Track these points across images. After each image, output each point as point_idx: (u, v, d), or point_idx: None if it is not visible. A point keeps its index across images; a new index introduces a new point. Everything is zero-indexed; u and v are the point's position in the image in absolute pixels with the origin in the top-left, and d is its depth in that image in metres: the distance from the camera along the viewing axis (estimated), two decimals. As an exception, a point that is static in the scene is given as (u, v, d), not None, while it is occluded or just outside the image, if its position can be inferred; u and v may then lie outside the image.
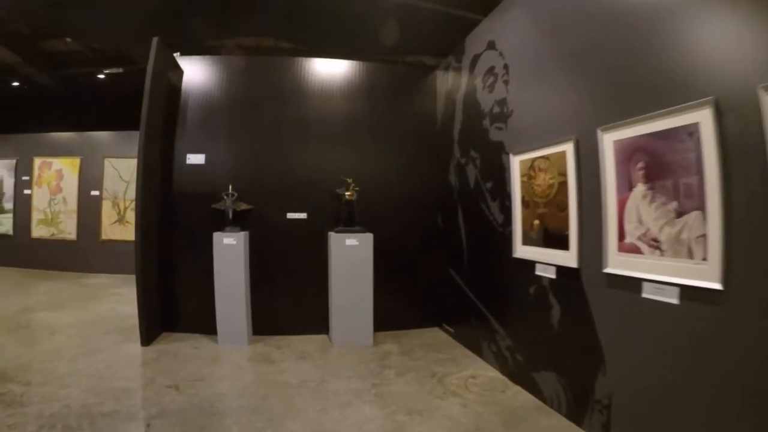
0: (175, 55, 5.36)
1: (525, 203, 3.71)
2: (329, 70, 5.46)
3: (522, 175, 3.73)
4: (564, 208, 3.19)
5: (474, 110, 4.59)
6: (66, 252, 10.02)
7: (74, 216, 10.02)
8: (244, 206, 5.12)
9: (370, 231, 4.91)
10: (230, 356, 4.64)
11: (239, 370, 4.29)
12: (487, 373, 4.18)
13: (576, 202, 3.05)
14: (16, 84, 10.23)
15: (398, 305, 5.45)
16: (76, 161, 10.04)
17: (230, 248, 4.85)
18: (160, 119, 5.16)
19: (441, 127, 5.50)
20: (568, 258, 3.13)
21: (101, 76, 9.80)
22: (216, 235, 4.89)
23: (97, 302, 7.10)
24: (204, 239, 4.91)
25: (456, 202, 5.05)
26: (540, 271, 3.46)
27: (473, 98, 4.61)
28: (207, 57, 5.53)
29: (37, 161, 10.26)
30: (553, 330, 3.31)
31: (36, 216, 10.26)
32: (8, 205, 10.62)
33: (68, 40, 8.48)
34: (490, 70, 4.27)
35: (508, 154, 3.91)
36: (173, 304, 5.39)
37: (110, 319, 6.03)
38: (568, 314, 3.18)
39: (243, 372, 4.23)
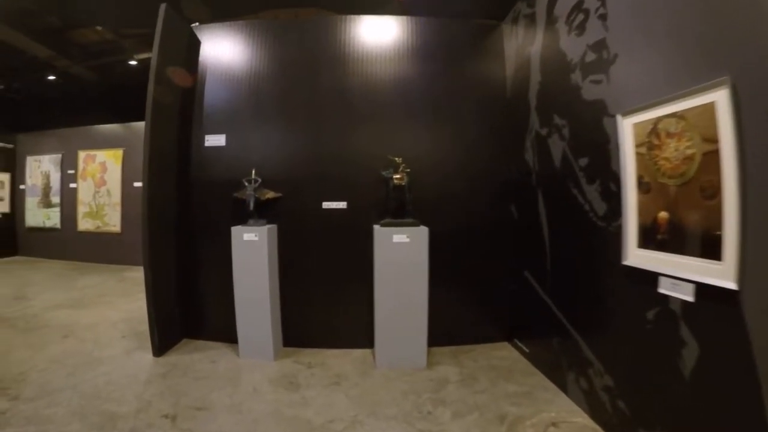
0: (193, 26, 4.68)
1: (643, 186, 2.57)
2: (374, 31, 4.50)
3: (638, 145, 2.59)
4: (714, 193, 2.07)
5: (557, 64, 3.48)
6: (111, 245, 9.96)
7: (118, 208, 9.89)
8: (270, 195, 4.29)
9: (424, 224, 3.93)
10: (250, 375, 3.84)
11: (254, 397, 3.47)
12: (573, 418, 3.10)
13: (736, 185, 1.93)
14: (52, 78, 10.08)
15: (459, 315, 4.43)
16: (119, 153, 9.88)
17: (251, 245, 4.05)
18: (173, 97, 4.49)
19: (512, 93, 4.38)
20: (720, 272, 2.01)
21: (133, 63, 9.40)
22: (235, 230, 4.11)
23: (128, 299, 6.66)
24: (227, 233, 4.16)
25: (535, 187, 3.91)
26: (666, 288, 2.34)
27: (555, 48, 3.51)
28: (228, 23, 4.71)
29: (82, 154, 10.26)
30: (684, 378, 2.20)
31: (81, 209, 10.27)
32: (55, 198, 10.78)
33: (99, 28, 8.11)
34: (578, 6, 3.17)
35: (612, 116, 2.78)
36: (196, 307, 4.71)
37: (134, 319, 5.52)
38: (711, 358, 2.06)
39: (258, 400, 3.41)
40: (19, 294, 7.10)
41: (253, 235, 4.03)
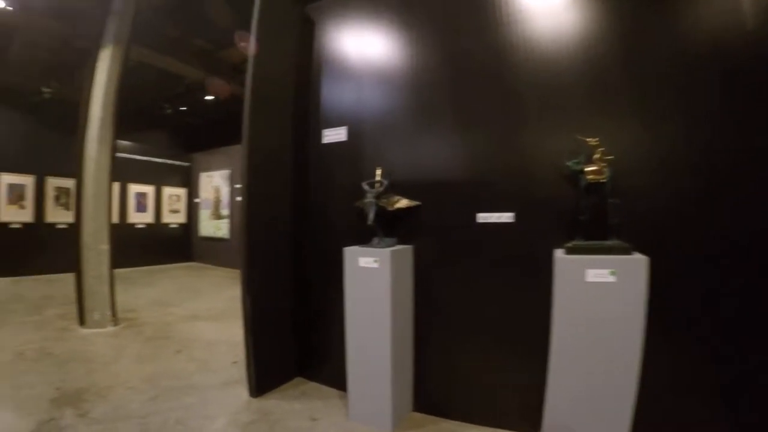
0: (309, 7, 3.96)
1: None
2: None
3: None
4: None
5: None
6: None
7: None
8: (402, 203, 3.19)
9: (638, 249, 2.42)
10: (353, 452, 2.72)
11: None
12: None
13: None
14: (209, 98, 10.61)
15: (708, 400, 2.67)
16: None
17: (370, 273, 3.00)
18: (284, 88, 3.82)
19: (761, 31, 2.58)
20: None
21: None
22: (348, 253, 3.12)
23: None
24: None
25: None
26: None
27: None
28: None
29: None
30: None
31: (246, 221, 10.65)
32: (225, 211, 11.59)
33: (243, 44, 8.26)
34: None
35: None
36: (313, 342, 3.85)
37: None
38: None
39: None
40: (169, 300, 7.18)
41: (372, 260, 2.96)
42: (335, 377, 3.50)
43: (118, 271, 9.41)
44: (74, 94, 5.64)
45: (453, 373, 3.13)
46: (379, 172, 3.22)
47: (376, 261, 2.95)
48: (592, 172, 2.42)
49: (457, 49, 3.16)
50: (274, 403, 3.29)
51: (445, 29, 3.22)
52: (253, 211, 3.48)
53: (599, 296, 2.30)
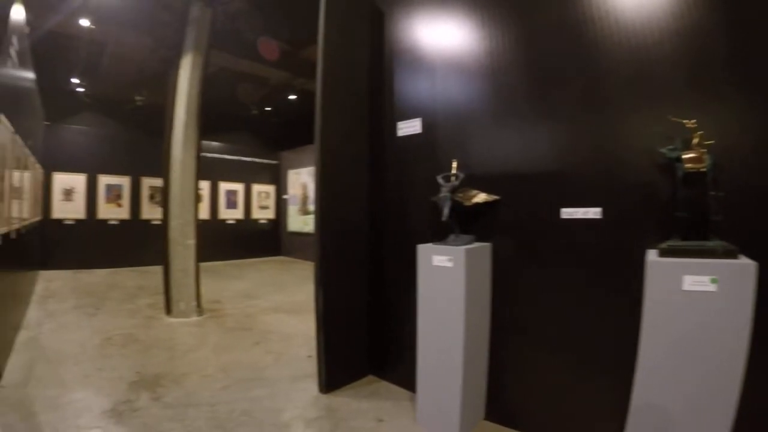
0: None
1: None
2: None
3: None
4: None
5: None
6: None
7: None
8: (479, 198, 2.99)
9: (744, 252, 2.05)
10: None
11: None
12: None
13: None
14: (293, 97, 10.95)
15: None
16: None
17: (444, 273, 2.84)
18: (355, 81, 3.75)
19: None
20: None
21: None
22: (422, 250, 2.99)
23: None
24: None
25: None
26: None
27: None
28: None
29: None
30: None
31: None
32: (312, 206, 11.75)
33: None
34: None
35: None
36: (386, 340, 3.75)
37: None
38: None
39: None
40: (254, 292, 7.44)
41: (446, 258, 2.80)
42: (407, 378, 3.38)
43: (209, 264, 10.16)
44: (163, 101, 6.04)
45: (530, 382, 2.90)
46: (454, 164, 3.05)
47: (450, 260, 2.79)
48: (690, 159, 2.07)
49: (535, 29, 2.90)
50: (342, 400, 3.25)
51: (521, 9, 2.98)
52: (326, 205, 3.47)
53: (697, 308, 1.98)
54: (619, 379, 2.37)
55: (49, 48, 7.48)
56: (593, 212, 2.62)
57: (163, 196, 5.79)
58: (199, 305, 5.72)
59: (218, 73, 9.05)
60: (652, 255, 2.17)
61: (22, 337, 4.58)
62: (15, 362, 3.87)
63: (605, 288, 2.58)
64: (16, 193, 4.98)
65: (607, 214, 2.58)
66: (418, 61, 3.55)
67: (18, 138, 4.68)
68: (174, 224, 5.67)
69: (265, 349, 4.41)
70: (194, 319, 5.52)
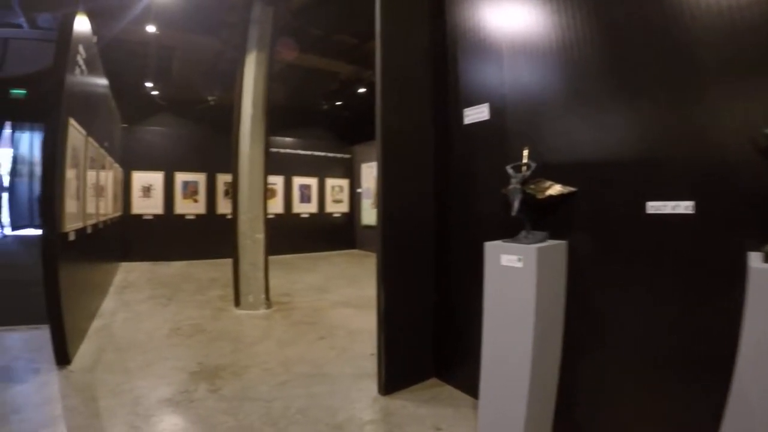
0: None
1: None
2: None
3: None
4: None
5: None
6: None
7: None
8: (554, 189, 2.69)
9: None
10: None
11: None
12: None
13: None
14: (362, 90, 10.87)
15: None
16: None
17: (512, 274, 2.59)
18: (417, 68, 3.56)
19: None
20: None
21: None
22: (489, 248, 2.73)
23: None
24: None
25: None
26: None
27: None
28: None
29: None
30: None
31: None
32: None
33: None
34: None
35: None
36: (452, 342, 3.56)
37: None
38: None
39: None
40: (324, 285, 7.48)
41: (516, 258, 2.55)
42: (471, 383, 3.14)
43: (283, 257, 10.42)
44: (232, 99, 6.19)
45: (606, 396, 2.58)
46: (525, 152, 2.75)
47: (519, 259, 2.54)
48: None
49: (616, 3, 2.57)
50: (400, 404, 3.09)
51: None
52: (389, 200, 3.33)
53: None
54: (707, 405, 2.03)
55: (121, 55, 7.98)
56: (684, 206, 2.25)
57: (232, 191, 5.93)
58: (267, 298, 5.81)
59: (286, 70, 9.19)
60: (754, 259, 1.81)
61: (96, 324, 4.87)
62: (86, 348, 4.10)
63: (698, 295, 2.21)
64: (95, 191, 5.36)
65: (701, 208, 2.20)
66: (482, 43, 3.28)
67: (92, 140, 4.97)
68: (243, 218, 5.78)
69: (329, 344, 4.36)
70: (262, 311, 5.60)
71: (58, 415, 2.89)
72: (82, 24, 4.21)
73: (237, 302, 5.73)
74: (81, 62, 4.31)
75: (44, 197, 3.87)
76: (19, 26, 5.85)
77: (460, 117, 3.41)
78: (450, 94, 3.51)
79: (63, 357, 3.66)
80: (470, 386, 3.17)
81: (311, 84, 10.59)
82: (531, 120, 2.92)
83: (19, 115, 11.19)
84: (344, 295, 6.72)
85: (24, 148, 12.92)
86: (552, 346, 2.66)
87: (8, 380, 3.38)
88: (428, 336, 3.60)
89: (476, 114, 3.28)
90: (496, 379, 2.68)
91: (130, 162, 9.79)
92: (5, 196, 12.84)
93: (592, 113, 2.63)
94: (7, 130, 12.80)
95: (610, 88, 2.55)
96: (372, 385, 3.34)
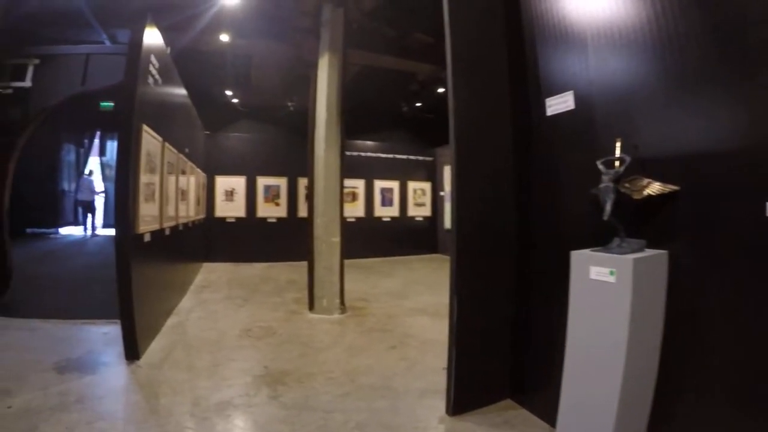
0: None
1: None
2: None
3: None
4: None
5: None
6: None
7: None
8: (652, 188, 2.28)
9: None
10: None
11: None
12: None
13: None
14: (441, 90, 10.48)
15: None
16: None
17: (603, 289, 2.24)
18: (493, 58, 3.28)
19: None
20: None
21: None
22: (576, 258, 2.41)
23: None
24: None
25: None
26: None
27: None
28: None
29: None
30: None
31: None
32: None
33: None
34: None
35: None
36: (530, 362, 3.22)
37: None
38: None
39: None
40: (402, 291, 7.30)
41: (607, 271, 2.18)
42: (549, 409, 2.77)
43: (363, 261, 10.38)
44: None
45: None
46: (618, 145, 2.38)
47: (612, 273, 2.18)
48: None
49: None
50: (467, 426, 2.81)
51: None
52: (464, 204, 3.05)
53: None
54: None
55: (200, 66, 8.34)
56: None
57: (308, 195, 5.92)
58: (342, 303, 5.72)
59: (363, 72, 9.14)
60: None
61: (170, 322, 5.03)
62: (157, 345, 4.23)
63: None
64: (175, 195, 5.59)
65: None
66: (563, 25, 2.90)
67: (169, 146, 5.19)
68: (319, 222, 5.75)
69: (400, 354, 4.15)
70: (335, 316, 5.51)
71: (117, 409, 2.99)
72: (152, 36, 4.38)
73: (311, 306, 5.70)
74: (154, 72, 4.48)
75: (117, 200, 4.05)
76: (101, 43, 6.29)
77: (542, 108, 3.04)
78: (529, 84, 3.15)
79: (133, 352, 3.80)
80: (548, 412, 2.80)
81: (390, 86, 10.50)
82: (623, 109, 2.52)
83: (107, 125, 12.57)
84: (421, 301, 6.46)
85: (111, 155, 14.95)
86: (645, 376, 2.26)
87: (80, 371, 3.56)
88: (504, 353, 3.26)
89: (560, 104, 2.90)
90: (578, 409, 2.33)
91: (213, 167, 10.26)
92: (99, 198, 14.30)
93: (696, 99, 2.19)
94: (96, 140, 15.20)
95: (718, 71, 2.10)
96: (440, 404, 3.07)
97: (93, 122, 12.95)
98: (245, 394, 3.19)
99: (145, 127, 4.10)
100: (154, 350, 4.07)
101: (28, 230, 13.30)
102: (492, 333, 3.22)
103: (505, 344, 3.28)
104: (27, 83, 5.65)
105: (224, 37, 7.40)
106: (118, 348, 3.82)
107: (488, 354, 3.20)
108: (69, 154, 15.07)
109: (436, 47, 8.23)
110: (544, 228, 3.11)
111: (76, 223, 14.49)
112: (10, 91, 5.62)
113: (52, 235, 13.69)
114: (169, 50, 5.35)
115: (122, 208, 3.84)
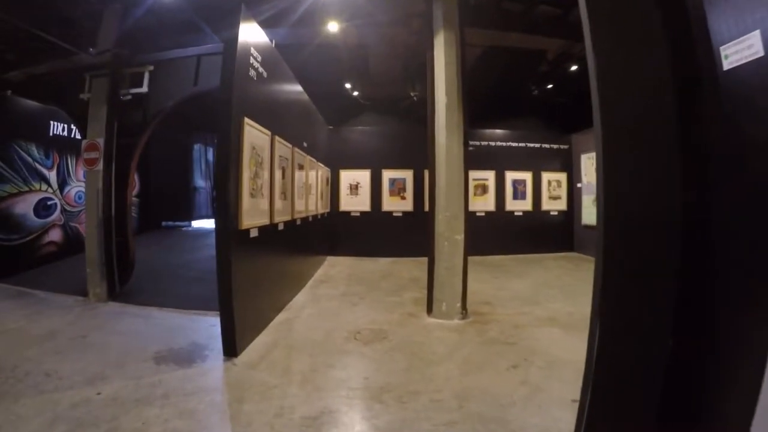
0: None
1: None
2: None
3: None
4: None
5: None
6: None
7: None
8: None
9: None
10: None
11: None
12: None
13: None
14: (574, 68, 9.50)
15: None
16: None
17: None
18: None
19: None
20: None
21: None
22: None
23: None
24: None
25: None
26: None
27: None
28: None
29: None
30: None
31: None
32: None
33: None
34: None
35: None
36: (692, 408, 2.42)
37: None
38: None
39: None
40: (531, 295, 6.56)
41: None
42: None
43: (493, 258, 9.69)
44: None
45: None
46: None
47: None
48: None
49: None
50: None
51: None
52: (612, 198, 2.29)
53: None
54: None
55: (317, 61, 8.20)
56: None
57: (429, 188, 5.43)
58: (463, 307, 5.17)
59: (486, 54, 8.45)
60: None
61: (280, 318, 4.92)
62: (259, 342, 4.13)
63: None
64: (291, 189, 5.49)
65: None
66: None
67: (280, 139, 5.12)
68: (440, 217, 5.25)
69: (521, 376, 3.50)
70: (455, 322, 4.98)
71: (198, 409, 2.90)
72: (250, 30, 4.26)
73: (429, 309, 5.25)
74: (257, 65, 4.38)
75: (218, 195, 3.98)
76: (213, 44, 6.49)
77: (715, 61, 2.18)
78: (694, 30, 2.29)
79: (231, 349, 3.77)
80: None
81: (516, 68, 9.64)
82: None
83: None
84: (553, 309, 5.65)
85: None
86: None
87: (177, 362, 3.62)
88: (655, 394, 2.46)
89: (741, 51, 2.02)
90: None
91: (337, 161, 10.32)
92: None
93: None
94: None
95: None
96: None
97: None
98: (335, 410, 2.88)
99: (247, 120, 3.98)
100: (255, 347, 3.98)
101: (164, 224, 14.95)
102: (642, 366, 2.42)
103: (658, 382, 2.46)
104: (144, 89, 6.02)
105: (332, 27, 7.17)
106: (221, 342, 3.79)
107: (634, 393, 2.42)
108: (200, 153, 16.60)
109: (565, 19, 7.33)
110: (727, 229, 2.23)
111: (209, 216, 15.99)
112: (129, 97, 6.06)
113: (184, 228, 15.26)
114: (273, 43, 5.25)
115: (222, 203, 3.76)
